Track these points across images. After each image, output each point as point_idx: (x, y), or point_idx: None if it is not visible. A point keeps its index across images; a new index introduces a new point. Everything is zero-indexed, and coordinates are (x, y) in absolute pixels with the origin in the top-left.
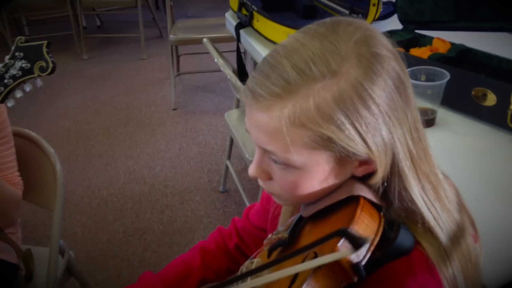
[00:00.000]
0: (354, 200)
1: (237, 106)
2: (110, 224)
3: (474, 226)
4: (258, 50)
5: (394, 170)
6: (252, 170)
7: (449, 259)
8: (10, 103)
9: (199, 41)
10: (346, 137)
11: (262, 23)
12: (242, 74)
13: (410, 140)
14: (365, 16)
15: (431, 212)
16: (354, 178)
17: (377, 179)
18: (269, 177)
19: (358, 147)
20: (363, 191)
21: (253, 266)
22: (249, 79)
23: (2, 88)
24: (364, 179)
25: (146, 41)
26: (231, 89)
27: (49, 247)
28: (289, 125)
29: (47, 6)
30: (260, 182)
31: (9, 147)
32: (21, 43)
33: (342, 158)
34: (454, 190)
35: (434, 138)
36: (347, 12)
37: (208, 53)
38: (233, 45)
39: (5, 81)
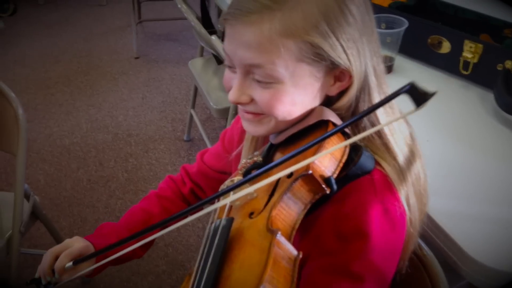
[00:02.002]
0: (323, 124)
1: (201, 55)
2: (73, 172)
3: (421, 156)
4: None
5: (363, 86)
6: (233, 95)
7: (405, 178)
8: None
9: None
10: (330, 46)
11: None
12: (206, 21)
13: (375, 58)
14: None
15: (390, 131)
16: (323, 104)
17: (351, 95)
18: (250, 99)
19: (340, 57)
20: (332, 116)
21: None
22: (233, 1)
23: None
24: (333, 103)
25: None
26: (194, 38)
27: (14, 190)
28: (278, 35)
29: None
30: (240, 109)
31: None
32: None
33: (324, 72)
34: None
35: (391, 85)
36: None
37: (168, 0)
38: None
39: None
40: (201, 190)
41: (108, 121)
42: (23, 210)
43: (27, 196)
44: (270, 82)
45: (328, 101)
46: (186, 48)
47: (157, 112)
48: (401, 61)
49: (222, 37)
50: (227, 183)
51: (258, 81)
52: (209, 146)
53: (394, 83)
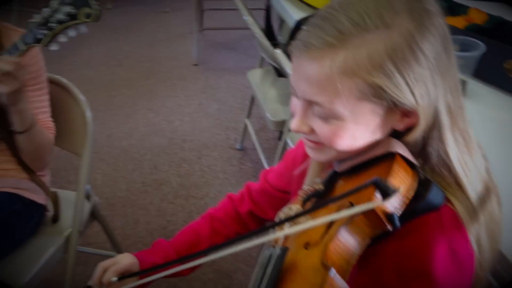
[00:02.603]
0: (390, 156)
1: (261, 66)
2: (129, 173)
3: (497, 192)
4: (288, 10)
5: (434, 124)
6: (294, 124)
7: (476, 218)
8: (54, 46)
9: None
10: (395, 87)
11: None
12: (269, 33)
13: (450, 95)
14: None
15: (463, 169)
16: (392, 136)
17: (418, 132)
18: (311, 131)
19: (406, 97)
20: (400, 148)
21: (292, 213)
22: (300, 33)
23: (47, 32)
24: (402, 136)
25: None
26: (253, 47)
27: (77, 190)
28: (340, 74)
29: None
30: (302, 137)
31: (44, 93)
32: None
33: (387, 109)
34: (482, 153)
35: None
36: None
37: (231, 9)
38: (258, 3)
39: (51, 25)
40: (260, 210)
41: (165, 125)
42: (83, 210)
43: (87, 197)
44: (330, 117)
45: (396, 132)
46: (244, 58)
47: (212, 120)
48: (475, 86)
49: (285, 52)
50: (285, 210)
51: (320, 114)
52: (261, 156)
53: (466, 107)
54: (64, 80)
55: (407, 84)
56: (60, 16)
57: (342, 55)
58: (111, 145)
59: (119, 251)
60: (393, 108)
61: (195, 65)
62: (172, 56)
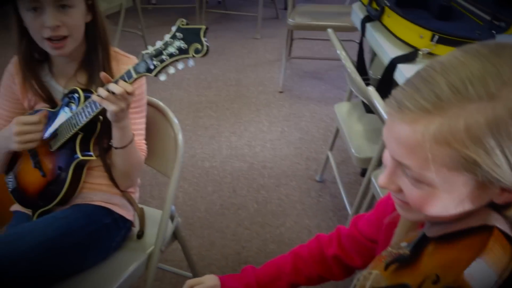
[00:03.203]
0: (487, 229)
1: (349, 99)
2: (209, 194)
3: None
4: (384, 46)
5: None
6: (382, 181)
7: None
8: (162, 77)
9: (317, 28)
10: (494, 163)
11: (393, 19)
12: (360, 68)
13: None
14: (508, 25)
15: None
16: (490, 206)
17: None
18: (400, 190)
19: (505, 175)
20: (499, 222)
21: (371, 277)
22: (396, 90)
23: (159, 63)
24: (502, 208)
25: (262, 21)
26: (340, 78)
27: (163, 210)
28: (433, 142)
29: None
30: (391, 193)
31: (142, 116)
32: (182, 25)
33: (483, 183)
34: None
35: None
36: (488, 18)
37: (320, 39)
38: (349, 35)
39: (163, 57)
40: (347, 256)
41: (246, 150)
42: (167, 230)
43: (172, 217)
44: (420, 182)
45: (496, 204)
46: (330, 88)
47: (293, 148)
48: None
49: (377, 89)
50: (365, 273)
51: (408, 176)
52: (341, 190)
53: None
54: (161, 104)
55: (508, 162)
56: (171, 49)
57: (437, 123)
58: (194, 164)
59: (194, 271)
60: (488, 183)
61: (281, 92)
62: (259, 82)
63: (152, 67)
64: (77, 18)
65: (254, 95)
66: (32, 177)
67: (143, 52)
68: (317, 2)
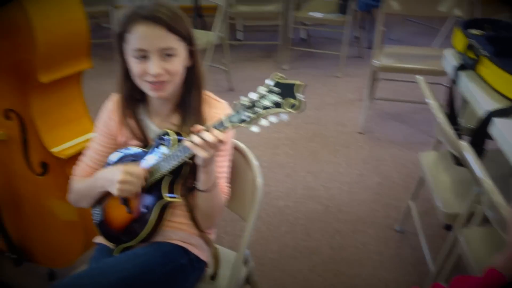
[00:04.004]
0: None
1: (436, 148)
2: (282, 235)
3: None
4: (478, 97)
5: None
6: None
7: None
8: (254, 128)
9: (404, 71)
10: None
11: (490, 70)
12: (451, 117)
13: None
14: None
15: None
16: None
17: None
18: None
19: None
20: None
21: None
22: None
23: (252, 115)
24: None
25: (345, 60)
26: (425, 122)
27: (237, 253)
28: None
29: (263, 17)
30: None
31: (227, 160)
32: (278, 78)
33: None
34: None
35: None
36: None
37: (406, 81)
38: (437, 78)
39: (256, 109)
40: None
41: (322, 191)
42: (240, 274)
43: (245, 261)
44: None
45: None
46: (414, 132)
47: (372, 193)
48: None
49: (471, 144)
50: None
51: None
52: (423, 243)
53: None
54: (241, 145)
55: None
56: (266, 102)
57: None
58: (269, 202)
59: None
60: None
61: (361, 133)
62: (338, 122)
63: (245, 118)
64: (179, 65)
65: (333, 135)
66: (118, 213)
67: (237, 102)
68: (403, 43)
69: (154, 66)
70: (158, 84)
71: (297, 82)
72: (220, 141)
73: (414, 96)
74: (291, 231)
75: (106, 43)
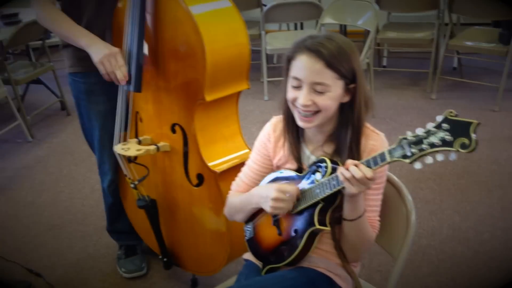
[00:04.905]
0: None
1: None
2: (424, 276)
3: None
4: None
5: None
6: None
7: None
8: (417, 165)
9: None
10: None
11: None
12: None
13: None
14: None
15: None
16: None
17: None
18: None
19: None
20: None
21: None
22: None
23: (417, 151)
24: None
25: (503, 92)
26: None
27: None
28: None
29: (414, 43)
30: None
31: (379, 193)
32: (451, 116)
33: None
34: None
35: None
36: None
37: None
38: None
39: (423, 146)
40: None
41: (471, 234)
42: None
43: None
44: None
45: None
46: None
47: None
48: None
49: None
50: None
51: None
52: None
53: None
54: (395, 178)
55: None
56: (434, 139)
57: None
58: (416, 243)
59: None
60: None
61: None
62: (493, 160)
63: (409, 154)
64: (329, 101)
65: (486, 174)
66: (268, 233)
67: (401, 137)
68: None
69: (302, 97)
70: (305, 116)
71: (473, 121)
72: (369, 179)
73: None
74: (435, 274)
75: (254, 65)
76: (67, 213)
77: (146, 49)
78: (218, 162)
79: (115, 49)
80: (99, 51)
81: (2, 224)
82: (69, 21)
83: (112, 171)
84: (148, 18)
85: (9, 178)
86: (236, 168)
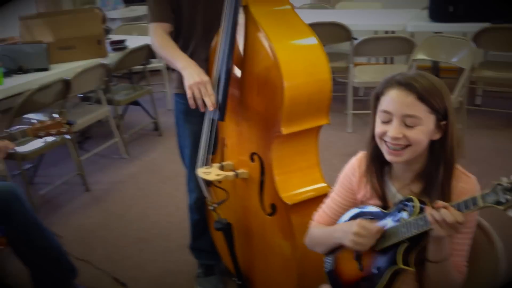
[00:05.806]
0: None
1: None
2: None
3: None
4: None
5: None
6: None
7: None
8: (510, 213)
9: None
10: None
11: None
12: None
13: None
14: None
15: None
16: None
17: None
18: None
19: None
20: None
21: None
22: None
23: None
24: None
25: None
26: None
27: None
28: None
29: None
30: None
31: (468, 238)
32: None
33: None
34: None
35: None
36: None
37: None
38: None
39: None
40: None
41: None
42: None
43: None
44: None
45: None
46: None
47: None
48: None
49: None
50: None
51: None
52: None
53: None
54: (485, 223)
55: None
56: None
57: None
58: None
59: None
60: None
61: None
62: None
63: (503, 200)
64: (420, 135)
65: None
66: (349, 267)
67: (496, 182)
68: None
69: (393, 129)
70: (394, 149)
71: None
72: (461, 223)
73: None
74: None
75: (339, 96)
76: (153, 227)
77: (238, 73)
78: (291, 194)
79: (206, 78)
80: (191, 77)
81: (95, 233)
82: (174, 46)
83: (198, 189)
84: (238, 48)
85: (104, 190)
86: (310, 202)
